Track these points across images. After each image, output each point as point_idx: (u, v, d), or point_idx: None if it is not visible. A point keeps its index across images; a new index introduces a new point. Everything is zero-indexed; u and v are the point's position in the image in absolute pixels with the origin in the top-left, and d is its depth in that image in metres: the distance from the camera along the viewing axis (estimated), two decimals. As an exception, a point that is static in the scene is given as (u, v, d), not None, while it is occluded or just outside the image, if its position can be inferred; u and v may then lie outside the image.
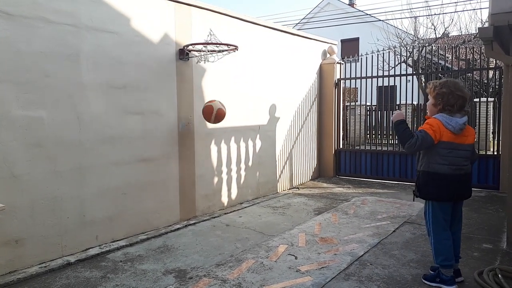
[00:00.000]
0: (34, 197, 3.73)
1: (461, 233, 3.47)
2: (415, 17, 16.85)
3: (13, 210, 3.58)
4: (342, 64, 8.51)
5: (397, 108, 9.73)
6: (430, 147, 3.15)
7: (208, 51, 5.02)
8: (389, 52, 8.46)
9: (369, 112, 12.17)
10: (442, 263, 3.21)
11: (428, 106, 3.32)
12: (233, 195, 6.08)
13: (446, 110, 3.15)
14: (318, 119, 8.30)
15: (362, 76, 8.14)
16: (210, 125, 5.60)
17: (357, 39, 21.49)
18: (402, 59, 12.31)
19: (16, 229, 3.62)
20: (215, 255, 4.04)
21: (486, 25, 4.42)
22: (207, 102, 4.98)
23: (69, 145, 3.99)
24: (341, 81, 8.40)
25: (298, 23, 24.22)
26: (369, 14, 21.09)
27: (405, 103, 8.53)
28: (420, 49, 11.53)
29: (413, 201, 3.58)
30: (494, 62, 7.22)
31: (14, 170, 3.59)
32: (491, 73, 9.55)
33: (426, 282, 3.35)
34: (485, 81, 8.96)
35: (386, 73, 8.16)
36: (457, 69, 10.77)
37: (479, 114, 9.05)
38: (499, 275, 3.26)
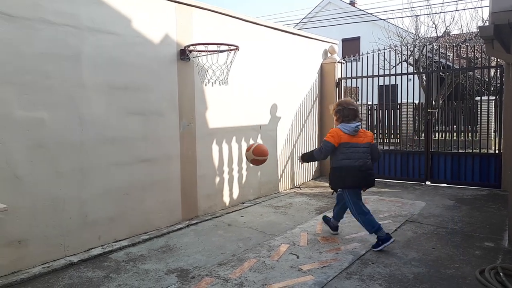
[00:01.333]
0: (36, 198, 3.75)
1: (459, 230, 4.38)
2: (416, 16, 16.83)
3: (15, 210, 3.60)
4: (343, 63, 8.51)
5: (398, 107, 9.73)
6: (334, 149, 4.14)
7: (209, 52, 5.02)
8: (390, 51, 8.47)
9: (370, 111, 12.16)
10: (375, 230, 4.07)
11: (334, 123, 4.39)
12: (235, 195, 6.09)
13: (344, 121, 4.20)
14: (319, 118, 8.31)
15: (363, 75, 8.14)
16: (211, 125, 5.62)
17: (358, 38, 21.47)
18: (403, 58, 12.29)
19: (19, 230, 3.64)
20: (217, 254, 4.05)
21: (487, 23, 4.42)
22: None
23: (71, 145, 4.01)
24: (342, 80, 8.40)
25: (299, 22, 24.21)
26: (370, 13, 21.06)
27: (406, 102, 8.52)
28: (421, 48, 11.52)
29: (332, 195, 4.81)
30: (496, 60, 7.22)
31: (16, 171, 3.61)
32: (492, 71, 9.53)
33: (375, 249, 4.06)
34: (487, 80, 8.95)
35: (387, 72, 8.17)
36: (458, 67, 10.75)
37: (481, 113, 9.04)
38: (501, 274, 3.26)
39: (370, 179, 4.20)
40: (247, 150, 4.78)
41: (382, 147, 8.17)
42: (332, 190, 4.40)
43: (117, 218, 4.43)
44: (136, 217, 4.62)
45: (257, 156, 4.71)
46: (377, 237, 4.08)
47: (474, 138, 10.28)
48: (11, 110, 3.56)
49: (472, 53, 8.18)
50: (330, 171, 4.25)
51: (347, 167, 4.08)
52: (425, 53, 9.26)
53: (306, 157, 4.46)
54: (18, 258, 3.63)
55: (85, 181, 4.13)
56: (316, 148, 4.39)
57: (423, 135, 8.38)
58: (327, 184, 7.63)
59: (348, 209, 4.38)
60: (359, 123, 4.25)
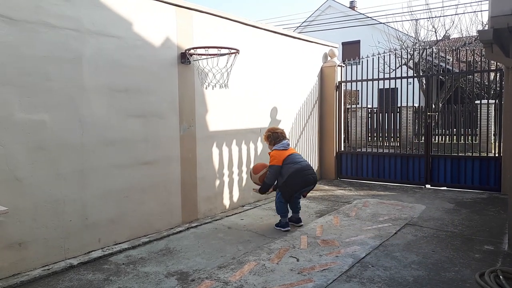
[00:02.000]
0: (37, 200, 3.75)
1: (459, 233, 4.26)
2: (416, 20, 16.88)
3: (16, 213, 3.60)
4: (343, 67, 8.54)
5: (398, 110, 9.75)
6: (280, 169, 4.85)
7: (209, 55, 5.04)
8: (389, 54, 8.49)
9: (370, 115, 12.19)
10: (283, 215, 4.96)
11: (269, 148, 5.12)
12: (235, 198, 6.09)
13: (277, 143, 5.00)
14: (319, 121, 8.32)
15: (363, 78, 8.16)
16: (211, 128, 5.63)
17: (358, 42, 21.53)
18: (403, 62, 12.32)
19: (19, 232, 3.64)
20: (217, 257, 4.05)
21: (487, 27, 4.44)
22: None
23: (72, 148, 4.02)
24: (342, 83, 8.42)
25: (299, 26, 24.28)
26: (370, 17, 21.13)
27: (406, 105, 8.54)
28: (421, 51, 11.55)
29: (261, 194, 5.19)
30: (495, 64, 7.24)
31: (17, 173, 3.62)
32: (492, 75, 9.56)
33: (276, 227, 4.97)
34: (486, 83, 8.97)
35: (387, 76, 8.18)
36: (458, 71, 10.77)
37: (480, 116, 9.05)
38: (501, 277, 3.27)
39: (313, 180, 4.97)
40: (251, 177, 5.19)
41: (382, 150, 8.18)
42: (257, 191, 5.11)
43: (117, 220, 4.43)
44: (136, 219, 4.63)
45: (257, 173, 5.09)
46: (280, 220, 4.97)
47: (474, 142, 10.30)
48: (12, 112, 3.57)
49: (472, 57, 8.21)
50: (281, 185, 4.90)
51: (298, 169, 4.81)
52: (425, 57, 9.28)
53: (262, 189, 4.98)
54: (19, 261, 3.63)
55: (86, 183, 4.14)
56: (264, 182, 4.94)
57: (423, 138, 8.39)
58: (327, 187, 7.65)
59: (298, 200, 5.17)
60: (288, 140, 5.13)
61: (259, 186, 5.03)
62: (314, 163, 8.22)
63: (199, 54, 5.10)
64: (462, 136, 10.07)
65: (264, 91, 6.60)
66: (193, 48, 5.05)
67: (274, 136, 5.04)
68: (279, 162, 4.82)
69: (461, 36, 16.54)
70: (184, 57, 5.06)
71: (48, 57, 3.81)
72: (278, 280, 3.48)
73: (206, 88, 5.34)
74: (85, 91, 4.12)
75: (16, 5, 3.58)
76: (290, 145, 5.11)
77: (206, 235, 4.80)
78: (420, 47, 12.28)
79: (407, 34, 16.84)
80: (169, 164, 5.01)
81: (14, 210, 3.58)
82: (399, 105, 9.15)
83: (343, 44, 21.45)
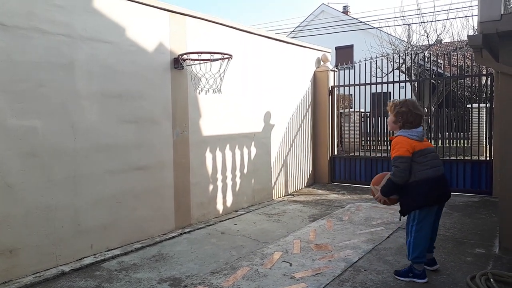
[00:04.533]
0: (28, 207, 3.73)
1: (451, 236, 3.90)
2: (408, 24, 17.04)
3: (7, 219, 3.58)
4: (336, 71, 8.59)
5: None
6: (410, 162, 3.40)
7: (203, 60, 5.06)
8: (382, 59, 8.56)
9: (364, 119, 12.25)
10: (416, 260, 3.47)
11: (388, 122, 3.68)
12: (228, 203, 6.09)
13: (406, 127, 3.49)
14: (312, 126, 8.35)
15: (356, 83, 8.22)
16: (204, 133, 5.63)
17: (351, 46, 21.66)
18: (396, 66, 12.43)
19: (10, 239, 3.61)
20: (210, 263, 4.05)
21: (477, 32, 4.50)
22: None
23: (64, 154, 4.00)
24: (335, 88, 8.47)
25: (293, 31, 24.39)
26: (363, 22, 21.29)
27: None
28: (413, 56, 11.66)
29: (400, 220, 3.84)
30: (486, 68, 7.32)
31: (8, 179, 3.59)
32: (484, 79, 9.65)
33: (399, 278, 3.57)
34: (478, 87, 9.06)
35: (379, 80, 8.24)
36: (449, 75, 10.87)
37: (472, 120, 9.13)
38: (491, 280, 3.29)
39: (449, 193, 3.59)
40: (373, 193, 3.82)
41: (375, 154, 8.23)
42: (400, 216, 3.64)
43: (109, 226, 4.41)
44: (129, 225, 4.61)
45: (379, 184, 3.74)
46: (412, 266, 3.52)
47: (465, 145, 10.39)
48: (3, 118, 3.55)
49: (463, 61, 8.30)
50: (409, 187, 3.42)
51: (433, 178, 3.39)
52: (417, 61, 9.37)
53: (384, 190, 3.55)
54: (9, 268, 3.60)
55: (78, 189, 4.12)
56: (390, 180, 3.48)
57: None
58: (320, 191, 7.67)
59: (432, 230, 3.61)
60: (421, 127, 3.56)
61: (383, 187, 3.57)
62: (307, 167, 8.25)
63: (192, 59, 5.12)
64: (454, 140, 10.15)
65: (257, 96, 6.62)
66: (186, 53, 5.06)
67: (409, 116, 3.45)
68: (409, 153, 3.36)
69: (452, 40, 16.71)
70: (177, 62, 5.07)
71: (41, 63, 3.80)
72: (271, 285, 3.48)
73: (199, 93, 5.35)
74: (78, 96, 4.11)
75: (8, 11, 3.57)
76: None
77: (199, 240, 4.79)
78: (413, 52, 12.39)
79: (399, 39, 16.99)
80: (162, 170, 5.00)
81: (5, 216, 3.56)
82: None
83: (336, 48, 21.57)
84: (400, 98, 7.92)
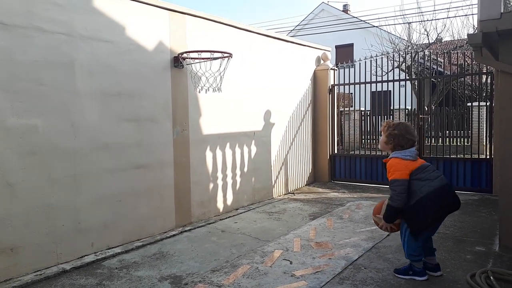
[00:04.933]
0: (29, 205, 3.74)
1: (451, 234, 3.93)
2: (408, 23, 17.03)
3: (8, 218, 3.59)
4: (336, 70, 8.59)
5: (391, 113, 9.81)
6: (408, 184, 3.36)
7: (203, 59, 5.06)
8: (382, 57, 8.56)
9: (364, 117, 12.25)
10: (413, 258, 3.49)
11: (380, 142, 3.65)
12: (229, 201, 6.10)
13: (397, 149, 3.47)
14: (312, 124, 8.36)
15: (356, 81, 8.22)
16: (205, 132, 5.64)
17: (351, 45, 21.65)
18: (396, 65, 12.43)
19: (11, 237, 3.62)
20: (211, 261, 4.06)
21: (477, 31, 4.51)
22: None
23: (64, 152, 4.01)
24: (335, 87, 8.47)
25: (293, 29, 24.38)
26: (363, 20, 21.27)
27: (398, 108, 8.61)
28: (414, 54, 11.66)
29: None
30: (486, 67, 7.32)
31: (9, 178, 3.60)
32: (484, 77, 9.65)
33: (399, 276, 3.57)
34: (478, 86, 9.06)
35: (380, 79, 8.24)
36: (450, 74, 10.86)
37: (472, 118, 9.14)
38: (491, 278, 3.30)
39: (458, 203, 3.47)
40: (375, 221, 3.78)
41: (375, 153, 8.23)
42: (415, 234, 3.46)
43: (110, 225, 4.42)
44: (129, 224, 4.62)
45: (380, 212, 3.71)
46: (411, 264, 3.54)
47: (466, 144, 10.39)
48: (4, 117, 3.56)
49: (463, 60, 8.32)
50: (413, 206, 3.36)
51: (438, 187, 3.34)
52: (417, 60, 9.37)
53: (387, 216, 3.49)
54: (10, 266, 3.61)
55: (78, 188, 4.13)
56: (389, 205, 3.43)
57: (415, 140, 8.43)
58: (320, 190, 7.67)
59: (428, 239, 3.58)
60: (414, 148, 3.52)
61: (384, 214, 3.53)
62: (307, 166, 8.25)
63: (192, 58, 5.12)
64: (454, 138, 10.16)
65: (257, 94, 6.62)
66: (186, 52, 5.07)
67: (401, 140, 3.44)
68: (406, 175, 3.34)
69: (453, 39, 16.70)
70: (177, 61, 5.08)
71: (41, 62, 3.81)
72: (271, 283, 3.49)
73: (199, 92, 5.35)
74: (78, 95, 4.12)
75: (8, 10, 3.57)
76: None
77: (200, 238, 4.80)
78: (413, 50, 12.38)
79: (399, 37, 16.98)
80: (163, 168, 5.01)
81: (6, 215, 3.57)
82: (392, 107, 9.22)
83: (337, 47, 21.58)
84: (400, 97, 7.98)
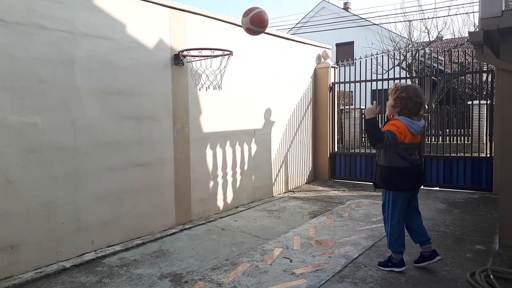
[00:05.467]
0: (29, 203, 3.74)
1: (451, 233, 4.04)
2: (409, 21, 17.00)
3: (8, 215, 3.59)
4: (336, 68, 8.58)
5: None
6: (395, 145, 3.44)
7: (203, 56, 5.05)
8: (383, 55, 8.54)
9: (364, 116, 12.23)
10: (397, 249, 3.63)
11: (387, 105, 3.65)
12: (229, 199, 6.10)
13: (403, 113, 3.48)
14: (313, 122, 8.35)
15: (356, 80, 8.21)
16: (205, 130, 5.63)
17: (352, 43, 21.62)
18: (396, 63, 12.41)
19: (11, 235, 3.62)
20: (211, 259, 4.06)
21: (478, 29, 4.50)
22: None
23: (64, 150, 4.01)
24: (336, 85, 8.46)
25: (293, 27, 24.34)
26: (364, 18, 21.24)
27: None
28: (414, 52, 11.63)
29: (374, 191, 3.87)
30: (487, 65, 7.30)
31: (9, 176, 3.60)
32: (484, 75, 9.65)
33: (380, 268, 3.72)
34: (479, 84, 9.05)
35: (380, 77, 8.22)
36: (450, 72, 10.86)
37: (472, 117, 9.12)
38: (491, 276, 3.30)
39: (421, 183, 3.73)
40: (245, 15, 3.99)
41: (375, 151, 8.21)
42: (374, 187, 3.81)
43: (110, 222, 4.42)
44: (129, 221, 4.62)
45: (254, 26, 4.03)
46: (391, 256, 3.69)
47: (466, 142, 10.39)
48: (4, 115, 3.56)
49: (464, 58, 8.30)
50: (385, 169, 3.57)
51: (407, 169, 3.52)
52: (418, 58, 9.35)
53: (371, 127, 3.42)
54: (10, 264, 3.61)
55: (79, 186, 4.13)
56: (381, 133, 3.37)
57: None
58: (321, 188, 7.67)
59: (417, 218, 3.74)
60: (423, 121, 3.57)
61: (373, 121, 3.45)
62: (308, 164, 8.25)
63: (192, 56, 5.11)
64: (455, 137, 10.15)
65: (257, 92, 6.61)
66: (186, 50, 5.06)
67: (408, 103, 3.43)
68: (401, 138, 3.38)
69: (453, 37, 16.67)
70: (178, 59, 5.07)
71: (41, 59, 3.80)
72: (271, 281, 3.49)
73: (199, 90, 5.35)
74: (78, 93, 4.11)
75: (8, 7, 3.56)
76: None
77: (200, 236, 4.80)
78: (413, 48, 12.36)
79: (400, 35, 16.95)
80: (163, 166, 5.01)
81: (6, 212, 3.57)
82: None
83: (337, 45, 21.54)
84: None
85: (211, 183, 5.77)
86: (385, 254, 4.08)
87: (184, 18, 5.25)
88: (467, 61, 7.97)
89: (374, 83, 8.08)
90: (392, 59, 8.98)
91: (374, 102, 3.65)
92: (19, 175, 3.66)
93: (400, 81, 8.04)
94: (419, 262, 3.73)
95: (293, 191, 7.47)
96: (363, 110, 11.88)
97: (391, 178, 3.57)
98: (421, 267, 3.71)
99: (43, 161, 3.84)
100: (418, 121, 3.50)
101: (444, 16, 20.58)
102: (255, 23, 4.04)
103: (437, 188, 7.41)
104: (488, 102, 7.28)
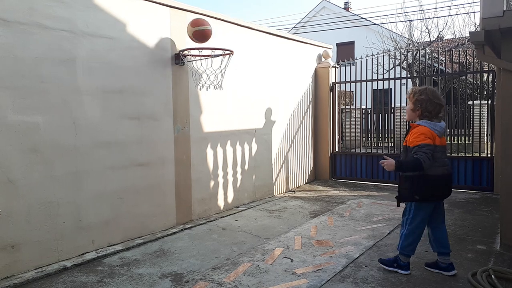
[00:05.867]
0: (30, 202, 3.74)
1: (452, 233, 3.81)
2: (410, 21, 16.99)
3: (9, 215, 3.59)
4: (337, 68, 8.58)
5: (392, 111, 9.79)
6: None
7: (203, 56, 5.05)
8: (383, 55, 8.54)
9: (365, 115, 12.24)
10: (406, 252, 3.53)
11: (407, 111, 3.55)
12: (230, 199, 6.10)
13: (424, 116, 3.38)
14: (313, 122, 8.35)
15: (357, 79, 8.20)
16: (205, 129, 5.62)
17: (352, 43, 21.62)
18: (397, 63, 12.40)
19: (12, 234, 3.62)
20: (211, 258, 4.06)
21: (479, 29, 4.50)
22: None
23: (65, 149, 4.00)
24: (336, 84, 8.46)
25: (294, 27, 24.35)
26: (364, 18, 21.24)
27: (399, 106, 8.60)
28: (415, 52, 11.62)
29: (398, 206, 3.72)
30: (488, 65, 7.29)
31: (10, 175, 3.60)
32: (485, 75, 9.64)
33: (383, 266, 3.67)
34: (479, 84, 9.04)
35: (381, 77, 8.22)
36: (451, 72, 10.85)
37: (473, 117, 9.12)
38: (492, 276, 3.30)
39: (451, 191, 3.53)
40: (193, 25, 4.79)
41: (376, 151, 8.22)
42: (398, 202, 3.58)
43: (111, 222, 4.42)
44: (130, 221, 4.62)
45: (195, 27, 4.72)
46: (398, 257, 3.58)
47: (467, 142, 10.39)
48: (5, 114, 3.55)
49: (465, 58, 8.29)
50: (414, 179, 3.35)
51: (441, 176, 3.35)
52: (419, 58, 9.35)
53: (409, 167, 3.35)
54: (11, 263, 3.61)
55: (79, 185, 4.13)
56: (414, 159, 3.25)
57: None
58: (321, 188, 7.67)
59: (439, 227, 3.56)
60: (444, 123, 3.46)
61: (405, 163, 3.36)
62: (308, 164, 8.25)
63: (193, 55, 5.11)
64: (456, 137, 10.14)
65: (258, 92, 6.61)
66: (187, 49, 5.05)
67: (428, 105, 3.34)
68: (432, 141, 3.27)
69: (454, 37, 16.67)
70: (178, 58, 5.07)
71: (42, 58, 3.80)
72: (272, 281, 3.49)
73: (200, 89, 5.35)
74: (79, 92, 4.11)
75: (9, 7, 3.56)
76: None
77: (201, 236, 4.80)
78: (414, 48, 12.35)
79: (401, 35, 16.94)
80: (163, 166, 5.01)
81: (7, 212, 3.57)
82: (393, 105, 9.21)
83: (338, 45, 21.55)
84: (401, 95, 7.95)
85: (212, 183, 5.77)
86: (386, 254, 4.08)
87: (184, 17, 5.25)
88: (467, 61, 7.96)
89: (374, 83, 8.08)
90: (393, 59, 8.97)
91: (383, 160, 3.48)
92: (20, 174, 3.66)
93: (401, 81, 8.04)
94: (431, 267, 3.63)
95: (294, 191, 7.46)
96: (363, 110, 11.91)
97: (420, 188, 3.34)
98: (422, 268, 3.70)
99: (44, 160, 3.84)
100: (439, 122, 3.40)
101: (445, 16, 20.58)
102: (197, 37, 4.73)
103: (438, 188, 7.38)
104: (488, 102, 7.28)
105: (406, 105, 3.59)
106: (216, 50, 4.98)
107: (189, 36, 4.79)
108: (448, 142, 8.31)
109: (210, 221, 5.40)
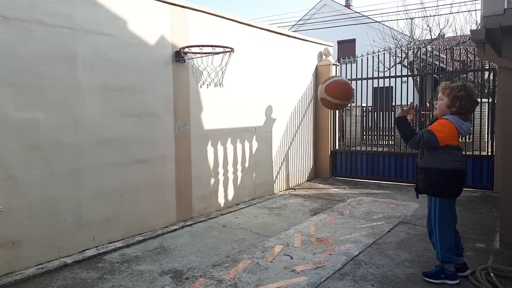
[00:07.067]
0: (31, 199, 3.75)
1: None
2: (411, 19, 16.96)
3: (10, 211, 3.60)
4: (338, 65, 8.56)
5: (392, 109, 9.78)
6: (436, 146, 3.23)
7: (204, 53, 5.04)
8: (384, 53, 8.52)
9: (365, 113, 12.23)
10: (448, 259, 3.29)
11: (439, 105, 3.33)
12: (230, 196, 6.11)
13: (461, 114, 3.23)
14: (314, 120, 8.35)
15: (358, 77, 8.19)
16: (206, 127, 5.63)
17: (353, 41, 21.59)
18: (398, 60, 12.38)
19: (13, 231, 3.64)
20: (212, 255, 4.07)
21: (480, 27, 4.49)
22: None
23: (66, 147, 4.01)
24: (337, 82, 8.43)
25: (295, 24, 24.31)
26: (365, 16, 21.20)
27: (400, 104, 8.59)
28: (416, 50, 11.61)
29: (417, 198, 3.70)
30: (489, 63, 7.29)
31: (11, 172, 3.61)
32: (486, 74, 9.62)
33: (429, 279, 3.35)
34: (480, 82, 9.03)
35: (382, 74, 8.21)
36: (452, 70, 10.84)
37: (473, 115, 9.11)
38: (492, 274, 3.30)
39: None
40: (322, 82, 3.69)
41: (376, 149, 8.23)
42: (417, 193, 3.58)
43: (111, 219, 4.43)
44: (130, 218, 4.63)
45: (330, 97, 3.63)
46: (443, 267, 3.33)
47: (467, 140, 10.37)
48: (6, 111, 3.56)
49: (466, 56, 8.28)
50: (432, 172, 3.30)
51: (460, 171, 3.29)
52: (420, 56, 9.33)
53: (400, 127, 3.36)
54: (12, 259, 3.63)
55: (80, 182, 4.14)
56: (413, 130, 3.29)
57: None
58: (321, 186, 7.68)
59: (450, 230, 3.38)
60: (469, 124, 3.37)
61: (404, 122, 3.34)
62: (308, 162, 8.25)
63: (193, 53, 5.10)
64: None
65: (259, 89, 6.61)
66: (187, 47, 5.05)
67: (467, 103, 3.21)
68: (442, 140, 3.19)
69: (455, 35, 16.64)
70: (179, 56, 5.06)
71: (42, 55, 3.80)
72: (271, 278, 3.50)
73: (200, 87, 5.35)
74: (80, 90, 4.11)
75: (10, 3, 3.56)
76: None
77: (201, 233, 4.81)
78: (415, 46, 12.32)
79: (402, 33, 16.91)
80: (164, 163, 5.02)
81: (8, 208, 3.58)
82: (393, 103, 9.20)
83: (339, 42, 21.49)
84: (402, 93, 7.94)
85: (212, 180, 5.78)
86: (385, 252, 4.09)
87: (185, 14, 5.24)
88: (469, 59, 7.95)
89: (375, 80, 8.07)
90: (394, 57, 8.96)
91: (411, 102, 3.45)
92: (21, 171, 3.67)
93: (401, 79, 8.03)
94: (435, 277, 3.40)
95: (294, 189, 7.47)
96: (364, 108, 11.90)
97: (440, 182, 3.26)
98: (424, 265, 3.71)
99: (45, 157, 3.85)
100: (466, 122, 3.27)
101: (446, 14, 20.53)
102: (332, 93, 3.66)
103: (438, 186, 7.39)
104: (489, 100, 7.27)
105: (436, 99, 3.40)
106: (217, 48, 4.98)
107: (322, 98, 3.81)
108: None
109: (210, 219, 5.41)
